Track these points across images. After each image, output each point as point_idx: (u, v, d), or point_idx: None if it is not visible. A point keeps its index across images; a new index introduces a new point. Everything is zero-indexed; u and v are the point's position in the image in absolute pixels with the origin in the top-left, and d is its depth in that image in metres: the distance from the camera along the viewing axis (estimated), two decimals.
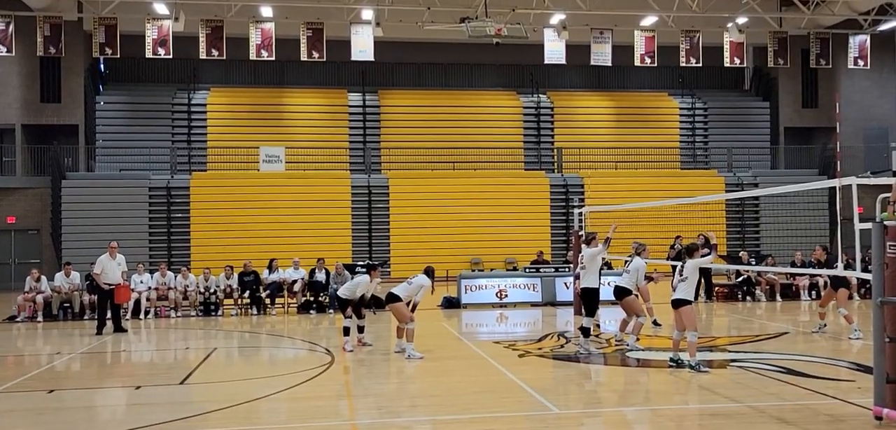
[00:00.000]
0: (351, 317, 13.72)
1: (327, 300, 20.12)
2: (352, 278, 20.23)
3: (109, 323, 16.60)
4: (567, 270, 20.39)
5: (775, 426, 7.96)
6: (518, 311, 19.90)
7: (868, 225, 8.07)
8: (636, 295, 13.56)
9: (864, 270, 10.43)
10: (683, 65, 30.99)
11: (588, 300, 13.12)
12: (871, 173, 29.03)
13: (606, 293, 15.42)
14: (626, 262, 14.14)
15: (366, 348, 13.64)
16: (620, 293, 13.43)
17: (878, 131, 34.65)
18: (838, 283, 14.12)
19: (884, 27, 32.27)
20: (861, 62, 31.62)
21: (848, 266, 15.11)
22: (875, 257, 7.87)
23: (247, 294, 19.99)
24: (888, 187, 7.83)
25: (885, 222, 7.76)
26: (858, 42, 31.46)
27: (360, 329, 13.84)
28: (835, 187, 10.33)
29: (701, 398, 9.57)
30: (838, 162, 32.36)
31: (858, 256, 10.45)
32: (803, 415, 8.37)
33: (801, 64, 33.97)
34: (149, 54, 27.47)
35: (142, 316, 19.25)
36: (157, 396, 10.34)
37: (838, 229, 13.69)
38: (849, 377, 10.41)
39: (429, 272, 12.91)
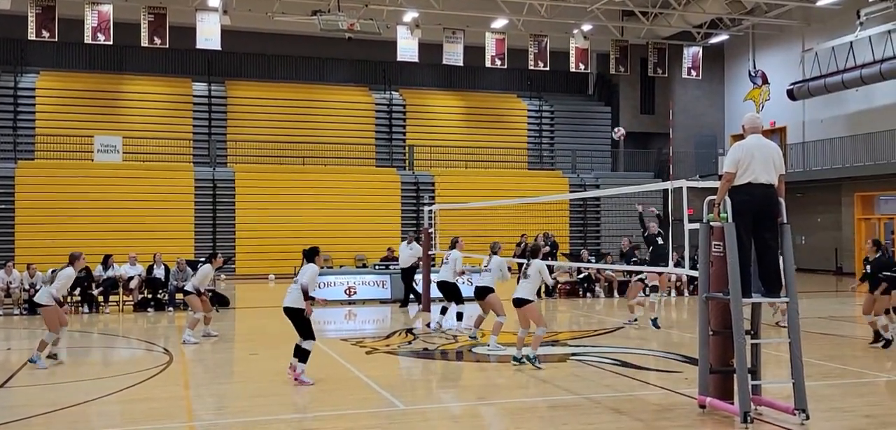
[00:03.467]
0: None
1: (166, 298, 19.26)
2: (194, 274, 19.59)
3: None
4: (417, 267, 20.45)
5: (610, 417, 8.28)
6: (367, 308, 19.80)
7: (696, 225, 8.53)
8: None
9: (693, 267, 11.03)
10: (532, 68, 31.97)
11: (449, 291, 14.69)
12: (700, 177, 31.11)
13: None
14: (485, 262, 14.29)
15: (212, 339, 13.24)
16: (481, 293, 13.62)
17: (708, 138, 37.07)
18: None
19: (714, 40, 34.57)
20: (693, 73, 33.73)
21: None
22: (702, 256, 8.34)
23: (78, 291, 18.77)
24: (715, 190, 8.29)
25: (711, 223, 8.22)
26: (691, 53, 33.54)
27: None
28: (668, 189, 10.87)
29: (541, 392, 9.83)
30: (671, 166, 34.34)
31: (687, 254, 11.04)
32: (635, 405, 8.76)
33: (640, 72, 35.83)
34: None
35: None
36: None
37: (670, 228, 14.44)
38: (677, 368, 11.00)
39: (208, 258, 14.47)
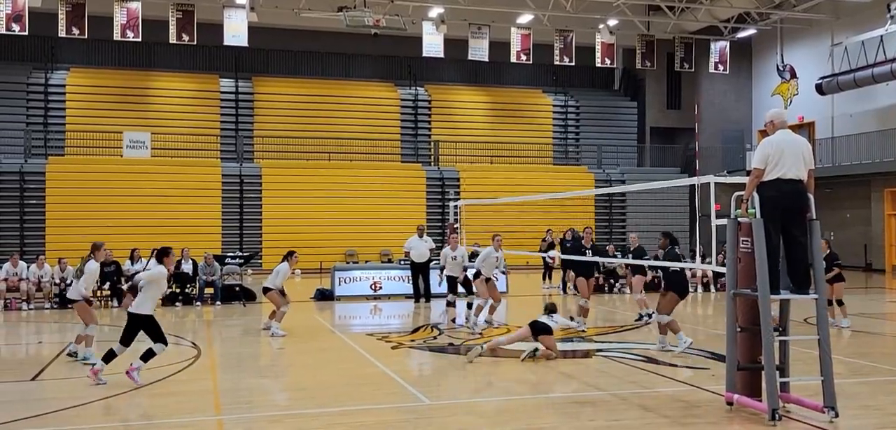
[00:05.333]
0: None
1: (195, 292, 19.45)
2: (221, 269, 19.82)
3: None
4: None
5: (636, 413, 8.24)
6: (392, 303, 19.84)
7: (724, 221, 8.46)
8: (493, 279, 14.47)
9: (720, 264, 10.97)
10: (557, 63, 31.85)
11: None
12: (728, 173, 30.87)
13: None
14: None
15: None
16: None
17: (735, 133, 36.71)
18: (635, 270, 15.13)
19: (741, 35, 34.21)
20: (721, 67, 33.41)
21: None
22: (729, 252, 8.26)
23: (107, 286, 19.01)
24: (743, 186, 8.21)
25: (739, 219, 8.15)
26: (719, 48, 33.22)
27: None
28: (695, 185, 10.81)
29: (567, 387, 9.81)
30: (698, 161, 34.05)
31: (714, 250, 10.99)
32: (661, 401, 8.71)
33: (666, 67, 35.55)
34: (2, 30, 25.76)
35: None
36: (6, 393, 9.67)
37: (697, 224, 14.35)
38: (703, 364, 10.93)
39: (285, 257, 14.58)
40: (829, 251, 15.18)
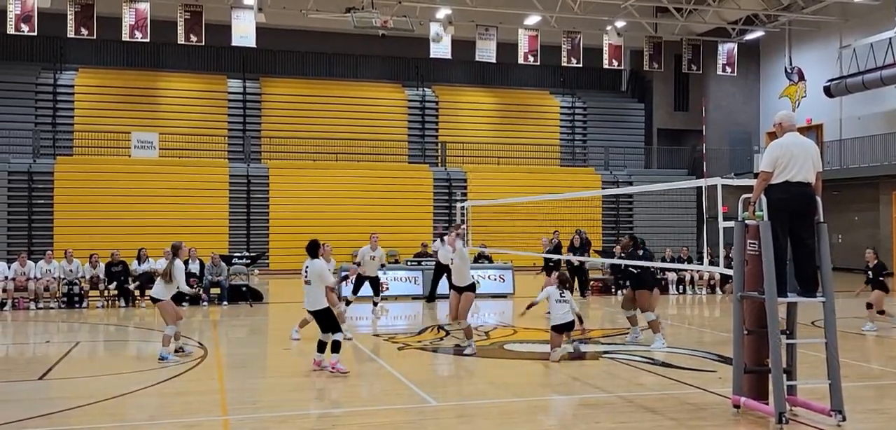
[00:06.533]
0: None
1: (201, 292, 19.47)
2: (228, 269, 19.84)
3: None
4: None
5: (642, 415, 8.23)
6: (399, 304, 19.86)
7: (731, 223, 8.44)
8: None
9: (727, 266, 10.94)
10: (565, 64, 31.82)
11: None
12: (735, 175, 30.78)
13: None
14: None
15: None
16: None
17: (742, 135, 36.62)
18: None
19: (750, 37, 34.11)
20: (728, 69, 33.31)
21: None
22: (736, 254, 8.25)
23: (114, 285, 19.07)
24: (750, 188, 8.20)
25: (747, 222, 8.13)
26: (726, 50, 33.11)
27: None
28: (702, 187, 10.79)
29: (574, 389, 9.80)
30: (705, 163, 33.98)
31: (722, 252, 10.96)
32: (668, 404, 8.69)
33: (673, 68, 35.49)
34: (11, 30, 25.88)
35: None
36: (14, 392, 9.70)
37: (704, 226, 14.31)
38: (711, 367, 10.90)
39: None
40: (877, 261, 15.31)
